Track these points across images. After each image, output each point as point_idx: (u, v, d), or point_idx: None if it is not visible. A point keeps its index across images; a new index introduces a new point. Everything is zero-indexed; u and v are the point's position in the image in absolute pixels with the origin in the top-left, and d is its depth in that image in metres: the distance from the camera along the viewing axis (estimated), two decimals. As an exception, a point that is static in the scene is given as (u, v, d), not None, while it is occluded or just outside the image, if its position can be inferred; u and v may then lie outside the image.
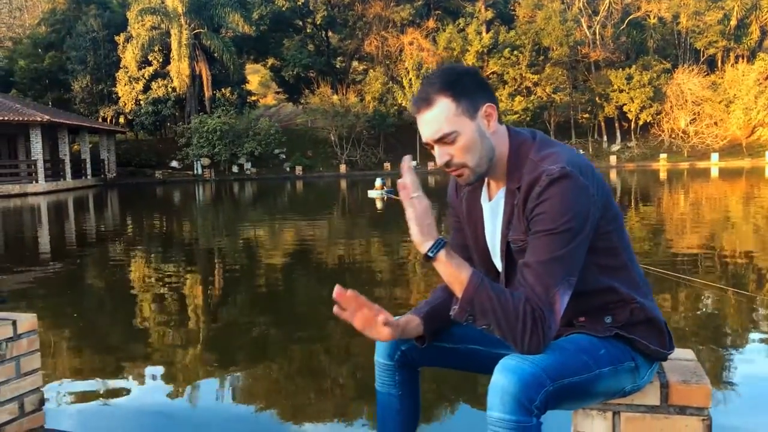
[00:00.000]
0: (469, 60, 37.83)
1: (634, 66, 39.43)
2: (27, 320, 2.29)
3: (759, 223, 11.15)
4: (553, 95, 39.59)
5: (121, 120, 39.68)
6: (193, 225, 14.92)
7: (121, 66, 37.43)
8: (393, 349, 1.68)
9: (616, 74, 38.92)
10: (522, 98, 38.11)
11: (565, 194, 1.36)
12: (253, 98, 44.23)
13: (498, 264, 1.58)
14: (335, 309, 1.55)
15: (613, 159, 39.17)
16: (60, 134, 31.08)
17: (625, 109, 39.39)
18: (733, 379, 3.64)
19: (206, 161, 37.23)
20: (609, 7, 41.70)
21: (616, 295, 1.48)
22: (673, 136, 40.52)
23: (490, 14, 42.24)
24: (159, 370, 4.15)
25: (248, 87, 44.65)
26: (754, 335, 4.57)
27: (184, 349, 4.65)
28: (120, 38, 37.55)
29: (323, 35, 45.86)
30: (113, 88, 38.21)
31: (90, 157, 34.22)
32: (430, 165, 33.53)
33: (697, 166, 35.83)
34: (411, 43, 40.08)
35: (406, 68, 38.47)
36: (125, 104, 37.66)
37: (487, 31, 40.63)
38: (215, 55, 38.53)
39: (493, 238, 1.58)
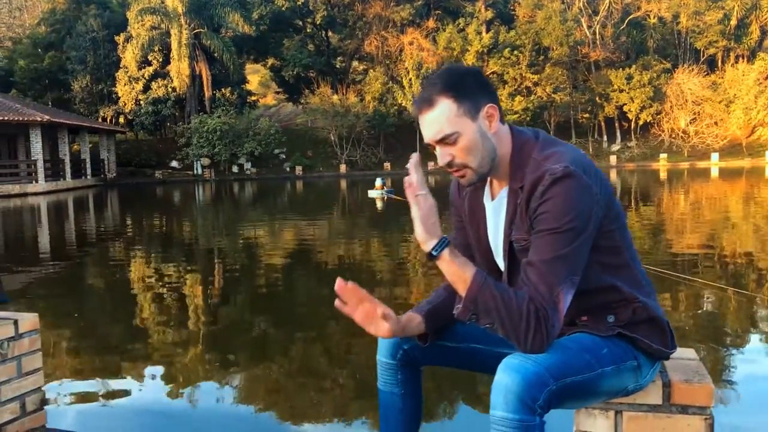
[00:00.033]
0: (469, 60, 37.83)
1: (634, 66, 39.44)
2: (28, 320, 2.29)
3: (759, 222, 11.15)
4: (553, 95, 39.60)
5: (121, 120, 39.67)
6: (193, 225, 14.92)
7: (121, 66, 37.43)
8: (395, 348, 1.68)
9: (616, 74, 38.92)
10: (522, 98, 38.12)
11: (568, 193, 1.36)
12: (253, 98, 44.23)
13: (500, 263, 1.58)
14: (337, 302, 1.55)
15: (613, 159, 39.18)
16: (60, 134, 31.07)
17: (625, 109, 39.39)
18: (736, 379, 3.64)
19: (206, 161, 37.23)
20: (609, 7, 41.70)
21: (619, 294, 1.48)
22: (673, 136, 40.52)
23: (490, 14, 42.24)
24: (159, 369, 4.15)
25: (248, 87, 44.65)
26: (755, 334, 4.57)
27: (184, 348, 4.65)
28: (120, 38, 37.55)
29: (323, 35, 45.86)
30: (113, 88, 38.22)
31: (90, 157, 34.22)
32: (431, 165, 33.56)
33: (697, 166, 35.84)
34: (411, 43, 40.09)
35: (406, 68, 38.48)
36: (125, 104, 37.66)
37: (487, 31, 40.63)
38: (215, 55, 38.53)
39: (495, 237, 1.58)
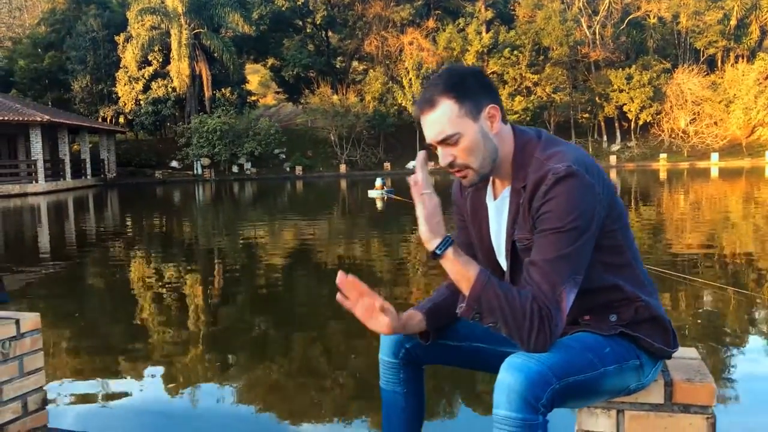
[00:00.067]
0: (469, 60, 37.84)
1: (634, 66, 39.44)
2: (30, 319, 2.29)
3: (759, 222, 11.16)
4: (553, 95, 39.61)
5: (121, 120, 39.68)
6: (193, 225, 14.92)
7: (121, 66, 37.44)
8: (397, 347, 1.68)
9: (616, 74, 38.93)
10: (522, 98, 38.13)
11: (571, 193, 1.36)
12: (253, 98, 44.23)
13: (503, 263, 1.59)
14: (338, 296, 1.55)
15: (613, 159, 39.18)
16: (60, 134, 31.08)
17: (625, 108, 39.40)
18: (737, 378, 3.64)
19: (206, 161, 37.24)
20: (609, 7, 41.71)
21: (621, 294, 1.48)
22: (673, 135, 40.53)
23: (490, 14, 42.25)
24: (160, 369, 4.16)
25: (248, 87, 44.65)
26: (756, 334, 4.58)
27: (185, 348, 4.65)
28: (120, 38, 37.56)
29: (323, 35, 45.86)
30: (113, 88, 38.22)
31: (90, 157, 34.22)
32: (431, 165, 33.52)
33: (697, 165, 35.84)
34: (411, 43, 40.09)
35: (406, 68, 38.48)
36: (125, 104, 37.66)
37: (487, 31, 40.64)
38: (215, 55, 38.53)
39: (498, 236, 1.58)
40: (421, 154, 1.44)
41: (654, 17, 41.92)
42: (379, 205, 16.98)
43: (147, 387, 3.84)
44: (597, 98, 40.07)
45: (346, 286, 1.54)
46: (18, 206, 21.34)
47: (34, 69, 40.19)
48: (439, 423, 3.16)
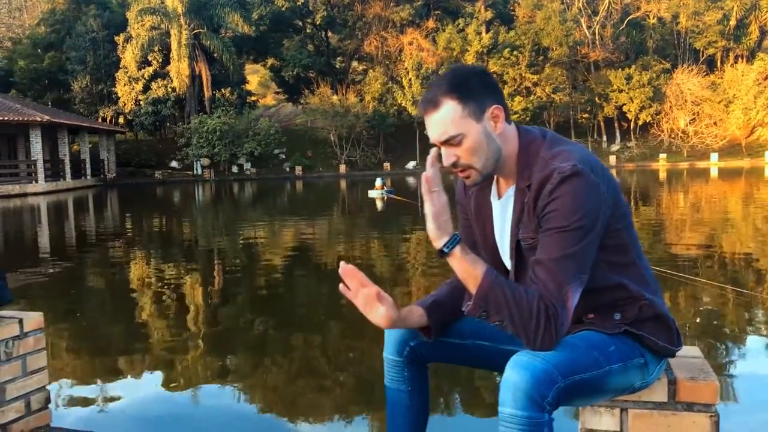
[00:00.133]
0: (469, 60, 37.84)
1: (633, 66, 39.44)
2: (33, 318, 2.30)
3: (759, 222, 11.16)
4: (552, 95, 39.62)
5: (121, 120, 39.67)
6: (192, 225, 14.92)
7: (120, 66, 37.43)
8: (402, 345, 1.69)
9: (616, 74, 38.93)
10: (521, 98, 38.13)
11: (576, 192, 1.37)
12: (253, 98, 44.20)
13: (507, 262, 1.59)
14: (341, 287, 1.56)
15: (612, 159, 39.17)
16: (60, 134, 31.08)
17: (624, 109, 39.40)
18: (738, 378, 3.65)
19: (206, 161, 37.23)
20: (608, 7, 41.72)
21: (626, 292, 1.49)
22: (673, 136, 40.53)
23: (489, 14, 42.26)
24: (161, 368, 4.16)
25: (248, 87, 44.63)
26: (757, 333, 4.58)
27: (186, 348, 4.66)
28: (120, 38, 37.55)
29: (323, 35, 45.86)
30: (113, 88, 38.22)
31: (90, 157, 34.22)
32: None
33: (697, 166, 35.85)
34: (410, 44, 40.09)
35: (406, 68, 38.49)
36: (125, 104, 37.66)
37: (487, 32, 40.65)
38: (215, 55, 38.53)
39: (502, 235, 1.59)
40: (432, 152, 1.45)
41: (653, 17, 41.93)
42: (379, 205, 16.98)
43: (148, 386, 3.84)
44: (596, 98, 40.08)
45: (347, 275, 1.55)
46: (18, 206, 21.34)
47: (34, 69, 40.18)
48: (443, 421, 3.17)
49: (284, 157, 39.23)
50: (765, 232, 10.04)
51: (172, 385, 3.87)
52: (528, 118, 37.73)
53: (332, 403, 3.53)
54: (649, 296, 1.50)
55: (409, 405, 1.70)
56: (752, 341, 4.37)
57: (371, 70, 41.46)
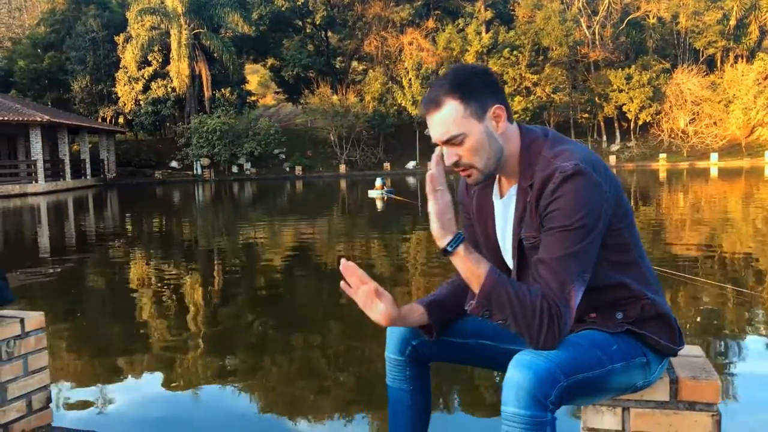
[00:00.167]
0: (469, 60, 37.82)
1: (633, 66, 39.44)
2: (34, 318, 2.30)
3: (759, 222, 11.17)
4: (552, 95, 39.61)
5: (121, 120, 39.66)
6: (192, 225, 14.92)
7: (120, 66, 37.42)
8: (404, 345, 1.69)
9: (616, 74, 38.93)
10: (521, 98, 38.12)
11: (579, 191, 1.37)
12: (253, 98, 44.19)
13: (509, 261, 1.59)
14: (342, 284, 1.57)
15: (612, 159, 39.17)
16: (60, 134, 31.07)
17: (624, 109, 39.40)
18: (739, 377, 3.65)
19: (206, 161, 37.23)
20: (608, 7, 41.71)
21: (627, 291, 1.49)
22: (673, 136, 40.53)
23: (489, 14, 42.25)
24: (162, 368, 4.16)
25: (248, 87, 44.61)
26: (758, 333, 4.58)
27: (186, 348, 4.66)
28: (119, 38, 37.54)
29: (323, 35, 45.86)
30: (113, 88, 38.21)
31: (89, 157, 34.22)
32: (430, 165, 33.55)
33: (697, 166, 35.85)
34: (410, 43, 40.08)
35: (406, 68, 38.48)
36: (125, 104, 37.65)
37: (487, 31, 40.64)
38: (215, 55, 38.52)
39: (504, 234, 1.59)
40: (437, 151, 1.46)
41: (653, 17, 41.93)
42: (379, 205, 16.98)
43: (149, 386, 3.84)
44: (596, 98, 40.07)
45: (347, 273, 1.56)
46: (18, 206, 21.33)
47: (34, 69, 40.17)
48: (444, 420, 3.17)
49: (284, 157, 39.23)
50: (765, 232, 10.04)
51: (173, 384, 3.87)
52: (528, 118, 37.72)
53: (333, 403, 3.53)
54: (650, 295, 1.50)
55: (410, 404, 1.70)
56: (753, 341, 4.38)
57: (371, 70, 41.45)
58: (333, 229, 12.85)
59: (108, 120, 39.28)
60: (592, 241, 1.39)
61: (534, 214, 1.45)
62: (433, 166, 1.43)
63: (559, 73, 39.91)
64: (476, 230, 1.66)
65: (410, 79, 37.85)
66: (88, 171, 33.84)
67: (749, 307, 5.22)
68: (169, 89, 37.39)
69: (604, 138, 42.27)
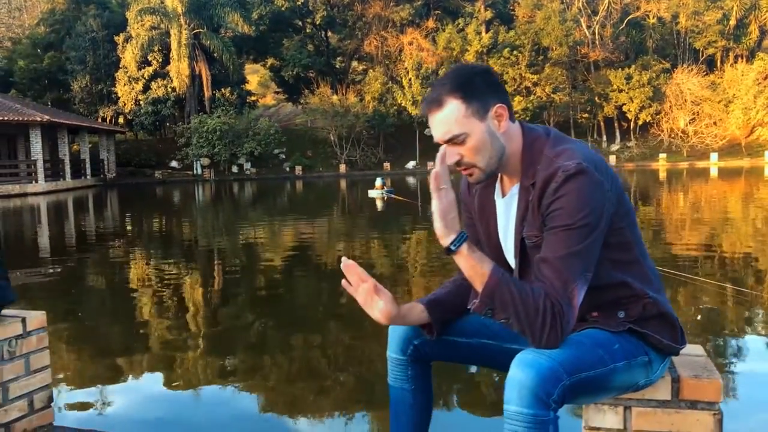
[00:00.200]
0: (469, 60, 37.81)
1: (633, 66, 39.43)
2: (36, 317, 2.30)
3: (759, 222, 11.17)
4: (552, 95, 39.60)
5: (121, 120, 39.65)
6: (192, 225, 14.92)
7: (120, 66, 37.41)
8: (405, 344, 1.69)
9: (616, 74, 38.93)
10: (521, 98, 38.12)
11: (581, 190, 1.37)
12: (253, 98, 44.17)
13: (510, 260, 1.59)
14: (343, 282, 1.57)
15: (612, 159, 39.13)
16: (59, 134, 31.06)
17: (624, 109, 39.40)
18: (742, 375, 3.65)
19: (206, 161, 37.22)
20: (608, 7, 41.71)
21: (629, 290, 1.49)
22: (673, 135, 40.53)
23: (489, 14, 42.25)
24: (163, 368, 4.16)
25: (248, 87, 44.59)
26: (759, 332, 4.58)
27: (187, 347, 4.66)
28: (119, 38, 37.53)
29: (323, 35, 45.84)
30: (113, 88, 38.20)
31: (89, 157, 34.21)
32: (430, 165, 33.55)
33: (697, 165, 35.85)
34: (410, 43, 40.08)
35: (406, 68, 38.47)
36: (125, 104, 37.64)
37: (487, 31, 40.65)
38: (215, 55, 38.51)
39: (505, 233, 1.59)
40: (442, 149, 1.46)
41: (653, 17, 41.92)
42: (379, 205, 16.98)
43: (150, 385, 3.85)
44: (596, 98, 40.07)
45: (348, 271, 1.56)
46: (18, 206, 21.33)
47: (34, 69, 40.16)
48: (446, 419, 3.16)
49: (284, 157, 39.22)
50: (765, 232, 10.04)
51: (174, 384, 3.87)
52: (528, 118, 37.68)
53: (333, 403, 3.53)
54: (652, 294, 1.50)
55: (412, 404, 1.70)
56: (753, 340, 4.38)
57: (371, 70, 41.44)
58: (333, 229, 12.85)
59: (108, 120, 39.28)
60: (595, 240, 1.39)
61: (536, 213, 1.45)
62: (437, 165, 1.43)
63: (559, 73, 39.90)
64: (478, 229, 1.66)
65: (410, 79, 37.84)
66: (88, 171, 33.83)
67: (749, 307, 5.22)
68: (169, 89, 37.38)
69: (604, 138, 42.26)
